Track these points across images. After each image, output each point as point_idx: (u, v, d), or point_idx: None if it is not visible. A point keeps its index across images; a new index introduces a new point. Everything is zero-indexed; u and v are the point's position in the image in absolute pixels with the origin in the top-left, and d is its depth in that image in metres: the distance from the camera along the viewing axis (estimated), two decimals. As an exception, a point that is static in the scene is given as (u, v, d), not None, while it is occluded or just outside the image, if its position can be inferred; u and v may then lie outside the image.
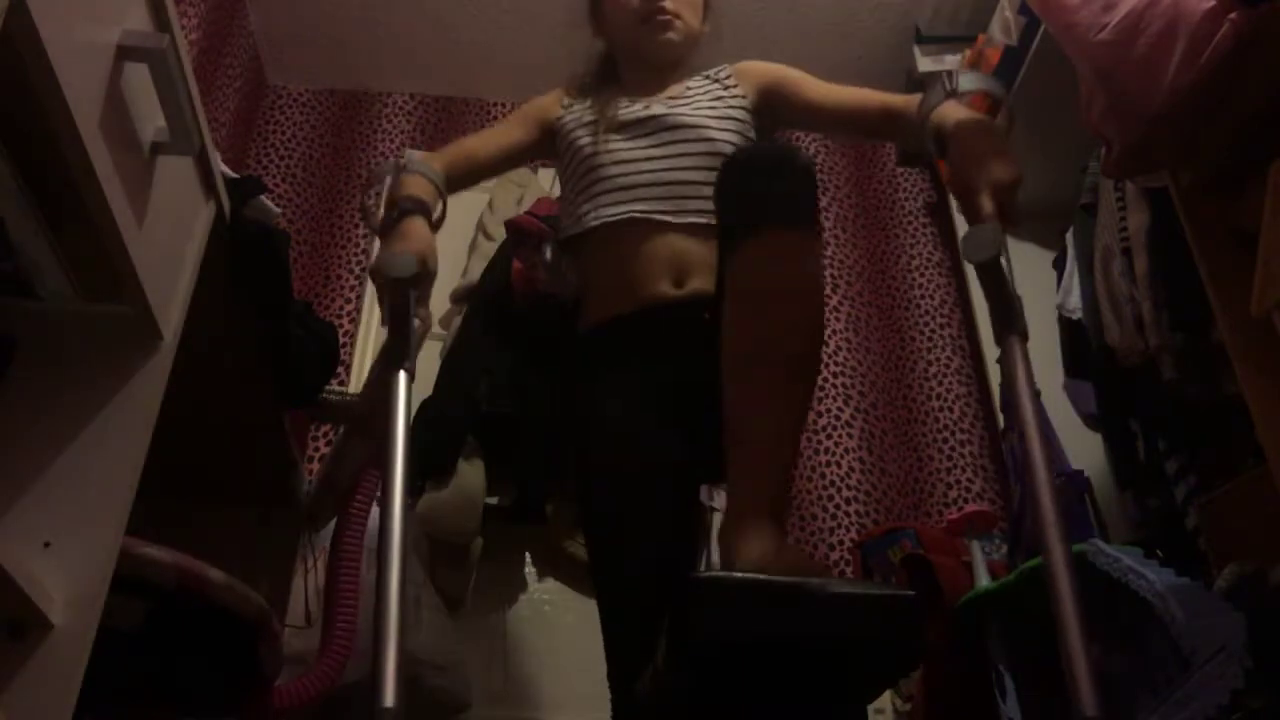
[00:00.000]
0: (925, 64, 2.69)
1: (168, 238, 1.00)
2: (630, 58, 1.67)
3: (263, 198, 1.28)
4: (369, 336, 2.59)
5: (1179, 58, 1.23)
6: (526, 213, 2.22)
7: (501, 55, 2.94)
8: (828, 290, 2.74)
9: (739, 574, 1.06)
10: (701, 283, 1.41)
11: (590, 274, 1.52)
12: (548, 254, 1.59)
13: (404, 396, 1.22)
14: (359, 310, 2.62)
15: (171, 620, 1.06)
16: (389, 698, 0.95)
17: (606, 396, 1.42)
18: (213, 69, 2.57)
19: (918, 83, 2.73)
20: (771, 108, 1.60)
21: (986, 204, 1.20)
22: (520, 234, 2.14)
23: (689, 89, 1.61)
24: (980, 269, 1.21)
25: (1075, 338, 2.00)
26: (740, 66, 1.65)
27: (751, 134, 1.55)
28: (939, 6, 2.66)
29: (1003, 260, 1.18)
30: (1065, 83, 1.61)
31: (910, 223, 2.95)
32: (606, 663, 1.31)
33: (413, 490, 2.04)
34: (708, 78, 1.64)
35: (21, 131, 0.76)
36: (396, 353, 1.26)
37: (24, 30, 0.66)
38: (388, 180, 1.50)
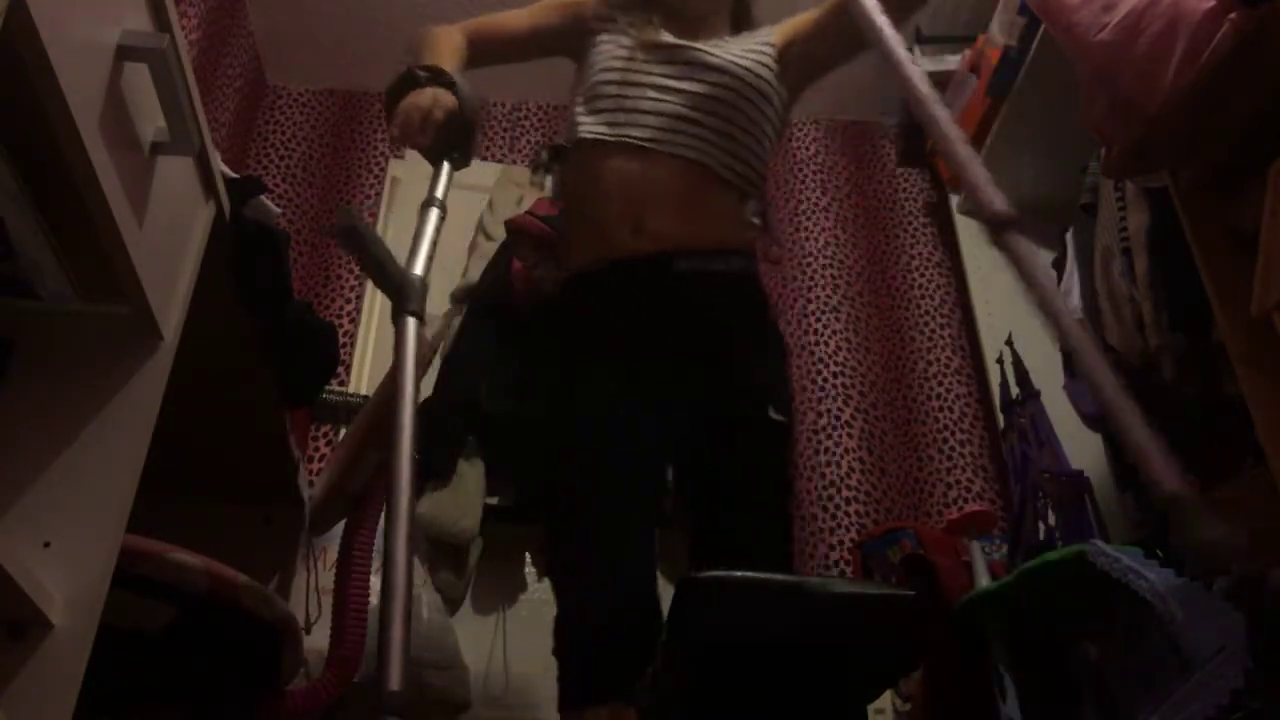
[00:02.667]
0: (925, 64, 2.69)
1: (168, 238, 1.00)
2: (661, 3, 1.63)
3: (263, 198, 1.28)
4: (369, 336, 2.59)
5: (1179, 58, 1.23)
6: (526, 213, 2.23)
7: (501, 55, 2.93)
8: (828, 290, 2.74)
9: (739, 574, 1.06)
10: (662, 223, 1.39)
11: (569, 199, 1.52)
12: (544, 155, 1.59)
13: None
14: (359, 310, 2.62)
15: (197, 624, 1.07)
16: (395, 681, 0.93)
17: (577, 378, 1.41)
18: (213, 69, 2.57)
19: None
20: (793, 53, 1.57)
21: None
22: (520, 234, 2.14)
23: (727, 40, 1.58)
24: None
25: (1075, 338, 2.00)
26: (780, 24, 1.63)
27: (774, 79, 1.52)
28: (939, 6, 2.66)
29: None
30: (1065, 83, 1.61)
31: (910, 223, 2.95)
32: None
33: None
34: (745, 34, 1.61)
35: (21, 131, 0.76)
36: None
37: (24, 30, 0.66)
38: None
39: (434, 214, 1.27)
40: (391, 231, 2.76)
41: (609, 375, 1.39)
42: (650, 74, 1.49)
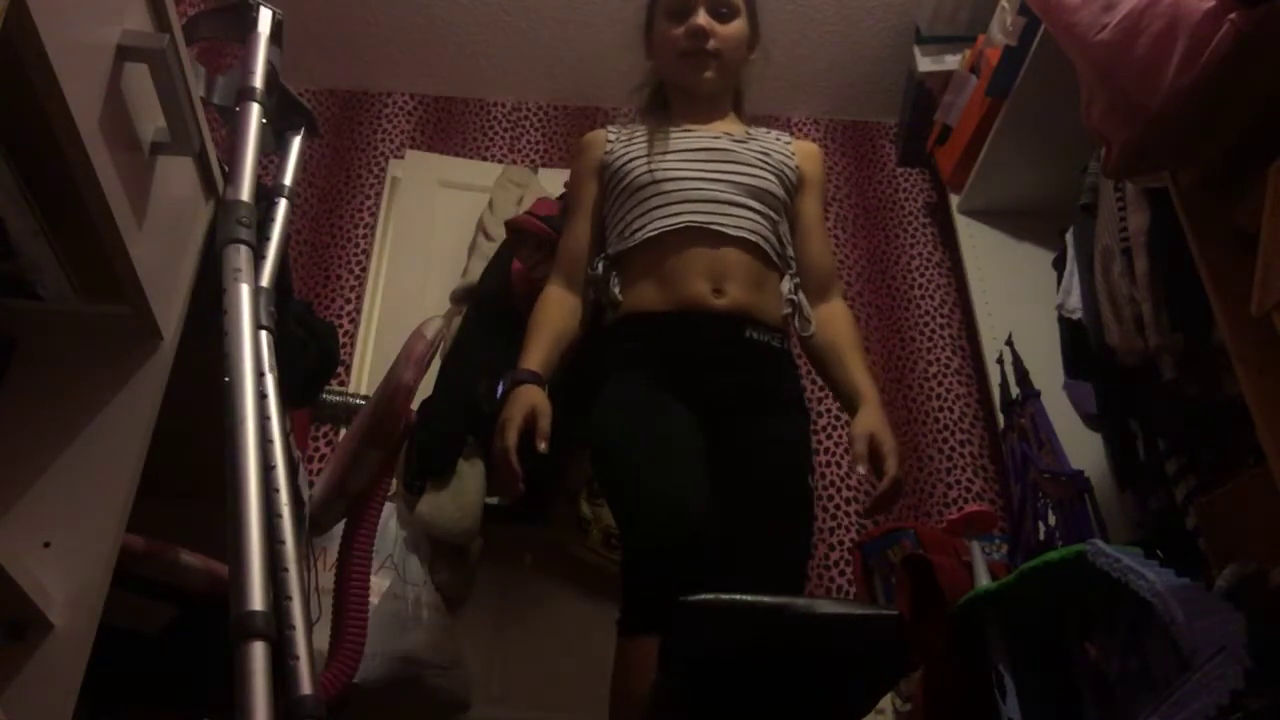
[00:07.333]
0: (925, 64, 2.69)
1: (168, 238, 1.00)
2: (675, 86, 1.76)
3: (262, 199, 1.28)
4: (369, 336, 2.59)
5: (1179, 58, 1.23)
6: (526, 213, 2.22)
7: (501, 55, 2.94)
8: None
9: (727, 596, 1.08)
10: (740, 293, 1.52)
11: (634, 280, 1.58)
12: (599, 268, 1.64)
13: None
14: (359, 310, 2.62)
15: (197, 624, 1.07)
16: (257, 600, 0.85)
17: (626, 380, 1.50)
18: (213, 69, 2.57)
19: (919, 83, 2.74)
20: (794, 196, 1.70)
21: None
22: (520, 234, 2.14)
23: (750, 134, 1.70)
24: None
25: (1075, 338, 2.00)
26: (800, 144, 1.76)
27: (785, 197, 1.65)
28: (939, 6, 2.66)
29: None
30: (1065, 83, 1.61)
31: (910, 223, 2.95)
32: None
33: (413, 490, 2.05)
34: (770, 133, 1.74)
35: (21, 131, 0.76)
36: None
37: (24, 30, 0.66)
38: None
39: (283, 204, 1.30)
40: (392, 231, 2.76)
41: (662, 389, 1.47)
42: (682, 166, 1.60)
